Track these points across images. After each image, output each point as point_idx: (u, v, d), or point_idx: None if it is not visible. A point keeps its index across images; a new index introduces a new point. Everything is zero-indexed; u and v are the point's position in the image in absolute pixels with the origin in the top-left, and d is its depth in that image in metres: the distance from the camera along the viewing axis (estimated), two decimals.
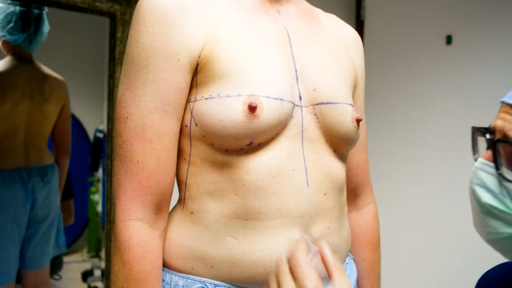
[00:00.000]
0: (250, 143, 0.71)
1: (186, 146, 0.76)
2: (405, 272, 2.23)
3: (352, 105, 0.82)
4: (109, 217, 1.72)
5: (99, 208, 2.33)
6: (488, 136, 0.62)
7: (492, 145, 0.60)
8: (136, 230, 0.70)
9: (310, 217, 0.75)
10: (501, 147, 0.59)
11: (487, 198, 0.60)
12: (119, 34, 1.65)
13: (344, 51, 0.88)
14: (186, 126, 0.74)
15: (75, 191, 2.08)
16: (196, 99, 0.73)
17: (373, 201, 1.01)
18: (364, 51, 0.97)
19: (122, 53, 1.66)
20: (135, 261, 0.69)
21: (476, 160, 0.67)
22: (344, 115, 0.79)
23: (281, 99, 0.72)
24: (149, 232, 0.71)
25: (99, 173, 2.31)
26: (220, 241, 0.73)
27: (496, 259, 0.83)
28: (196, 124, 0.73)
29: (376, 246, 0.98)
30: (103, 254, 2.12)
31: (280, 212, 0.73)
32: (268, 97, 0.71)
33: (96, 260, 2.32)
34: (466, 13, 2.11)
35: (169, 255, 0.75)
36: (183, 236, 0.75)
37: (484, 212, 0.61)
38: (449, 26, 2.16)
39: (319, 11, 0.93)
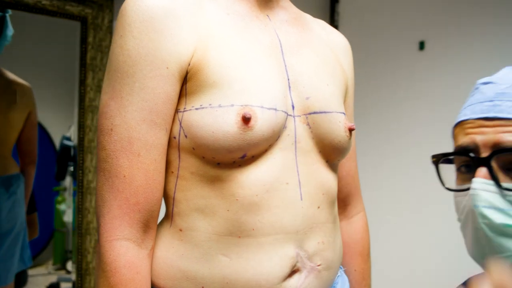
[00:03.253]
0: (244, 155, 0.68)
1: (174, 158, 0.71)
2: (393, 279, 2.24)
3: (344, 114, 0.80)
4: (80, 230, 1.64)
5: (66, 218, 2.23)
6: (472, 155, 0.59)
7: (486, 160, 0.57)
8: (123, 251, 0.65)
9: (305, 232, 0.72)
10: (494, 161, 0.57)
11: (500, 218, 0.55)
12: (90, 39, 1.58)
13: (334, 58, 0.86)
14: (175, 137, 0.70)
15: (40, 201, 1.99)
16: (186, 109, 0.69)
17: (362, 210, 0.99)
18: None
19: (94, 58, 1.59)
20: (123, 284, 0.64)
21: (449, 189, 0.63)
22: (337, 124, 0.77)
23: (275, 109, 0.69)
24: (137, 252, 0.67)
25: (66, 182, 2.22)
26: (211, 260, 0.69)
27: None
28: (186, 136, 0.68)
29: (367, 256, 0.96)
30: (70, 266, 2.04)
31: (274, 228, 0.70)
32: (262, 107, 0.68)
33: (62, 272, 2.22)
34: (438, 19, 2.15)
35: (157, 276, 0.70)
36: (172, 254, 0.70)
37: (498, 235, 0.56)
38: (422, 32, 2.19)
39: (308, 16, 0.91)
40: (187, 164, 0.70)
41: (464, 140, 0.61)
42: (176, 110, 0.70)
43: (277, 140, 0.71)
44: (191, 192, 0.70)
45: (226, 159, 0.67)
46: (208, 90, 0.68)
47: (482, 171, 0.57)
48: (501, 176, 0.57)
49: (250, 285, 0.68)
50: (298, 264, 0.72)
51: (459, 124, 0.63)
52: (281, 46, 0.77)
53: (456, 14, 2.10)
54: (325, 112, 0.76)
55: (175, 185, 0.71)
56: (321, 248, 0.75)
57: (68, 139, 2.06)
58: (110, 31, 1.63)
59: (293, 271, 0.71)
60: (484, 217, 0.57)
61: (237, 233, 0.68)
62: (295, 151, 0.73)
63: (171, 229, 0.72)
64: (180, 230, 0.70)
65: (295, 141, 0.73)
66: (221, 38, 0.71)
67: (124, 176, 0.66)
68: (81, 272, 1.62)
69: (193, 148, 0.68)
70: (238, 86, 0.68)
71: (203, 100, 0.67)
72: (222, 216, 0.68)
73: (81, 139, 1.60)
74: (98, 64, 1.60)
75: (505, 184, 0.56)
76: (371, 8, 2.36)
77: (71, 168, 2.08)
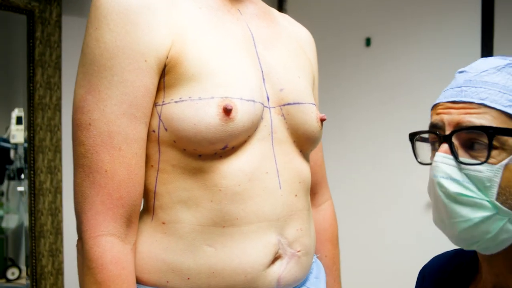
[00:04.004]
0: (225, 147, 0.68)
1: (153, 152, 0.71)
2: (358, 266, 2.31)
3: (315, 105, 0.82)
4: (33, 233, 1.57)
5: (4, 224, 2.12)
6: (438, 133, 0.67)
7: (448, 137, 0.65)
8: (109, 247, 0.64)
9: (284, 220, 0.75)
10: (455, 138, 0.65)
11: (454, 187, 0.63)
12: (38, 34, 1.51)
13: (302, 51, 0.89)
14: (154, 131, 0.70)
15: None
16: (165, 103, 0.69)
17: (329, 198, 1.02)
18: None
19: (43, 54, 1.52)
20: (111, 280, 0.63)
21: (421, 162, 0.72)
22: (310, 115, 0.80)
23: (253, 101, 0.71)
24: (122, 248, 0.66)
25: (3, 187, 2.11)
26: (196, 251, 0.69)
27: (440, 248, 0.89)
28: (166, 129, 0.68)
29: (336, 241, 1.00)
30: (10, 274, 1.94)
31: (257, 217, 0.71)
32: (241, 99, 0.69)
33: (3, 281, 2.11)
34: (383, 17, 2.25)
35: (141, 270, 0.70)
36: (155, 248, 0.70)
37: (452, 202, 0.64)
38: (368, 29, 2.28)
39: (274, 11, 0.93)
40: (167, 157, 0.70)
41: (434, 119, 0.69)
42: (155, 104, 0.69)
43: (255, 131, 0.72)
44: (173, 185, 0.70)
45: (208, 151, 0.68)
46: (187, 83, 0.68)
47: (444, 146, 0.65)
48: (461, 152, 0.65)
49: (236, 273, 0.69)
50: (280, 251, 0.74)
51: (434, 106, 0.71)
52: (253, 40, 0.79)
53: (400, 12, 2.20)
54: (298, 103, 0.79)
55: (156, 179, 0.71)
56: (299, 234, 0.77)
57: (6, 140, 1.96)
58: (59, 25, 1.57)
59: (275, 258, 0.73)
60: (441, 186, 0.64)
61: (221, 223, 0.69)
62: (272, 142, 0.75)
63: (153, 223, 0.71)
64: (163, 223, 0.70)
65: (272, 132, 0.75)
66: (197, 31, 0.71)
67: (106, 171, 0.65)
68: (36, 277, 1.55)
69: (174, 141, 0.68)
70: (217, 79, 0.68)
71: (182, 93, 0.68)
72: (205, 207, 0.69)
73: (31, 138, 1.53)
74: (47, 60, 1.54)
75: (462, 158, 0.64)
76: (318, 6, 2.43)
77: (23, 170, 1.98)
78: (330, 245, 0.98)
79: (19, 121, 1.65)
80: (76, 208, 0.67)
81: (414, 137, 0.73)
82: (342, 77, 2.37)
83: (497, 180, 0.61)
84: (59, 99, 1.60)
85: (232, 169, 0.70)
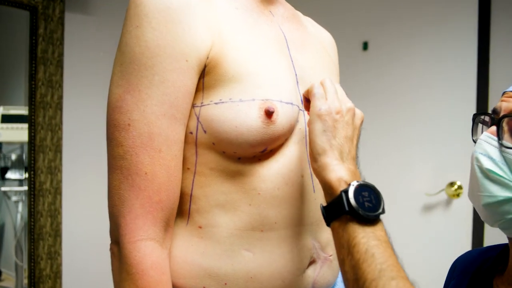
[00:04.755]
0: (264, 149, 0.68)
1: (190, 154, 0.69)
2: None
3: None
4: (32, 235, 1.53)
5: None
6: (493, 115, 0.72)
7: (497, 121, 0.70)
8: (149, 251, 0.62)
9: (317, 224, 0.74)
10: (504, 123, 0.69)
11: (488, 164, 0.68)
12: (41, 30, 1.47)
13: (327, 53, 0.89)
14: (191, 133, 0.68)
15: None
16: (203, 104, 0.67)
17: None
18: None
19: (45, 51, 1.49)
20: (152, 286, 0.61)
21: (474, 141, 0.77)
22: None
23: (292, 103, 0.70)
24: (161, 252, 0.64)
25: None
26: (234, 256, 0.68)
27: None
28: (205, 131, 0.67)
29: None
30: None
31: (294, 220, 0.71)
32: (281, 101, 0.68)
33: None
34: (381, 21, 2.26)
35: (176, 276, 0.68)
36: (192, 253, 0.68)
37: (484, 177, 0.69)
38: (365, 33, 2.29)
39: (299, 13, 0.92)
40: (205, 160, 0.68)
41: (497, 104, 0.73)
42: (193, 105, 0.68)
43: (291, 134, 0.72)
44: (211, 188, 0.68)
45: (248, 154, 0.67)
46: (227, 84, 0.67)
47: (492, 128, 0.70)
48: (506, 136, 0.69)
49: (274, 278, 0.68)
50: (314, 255, 0.73)
51: (504, 92, 0.74)
52: (286, 42, 0.78)
53: (398, 16, 2.22)
54: None
55: (192, 182, 0.69)
56: (331, 238, 0.77)
57: None
58: (61, 22, 1.53)
59: (310, 262, 0.73)
60: (477, 160, 0.70)
61: (259, 227, 0.68)
62: (306, 145, 0.74)
63: (188, 227, 0.70)
64: (200, 227, 0.69)
65: (306, 135, 0.74)
66: (235, 32, 0.70)
67: (146, 173, 0.63)
68: (34, 280, 1.51)
69: (213, 143, 0.67)
70: (257, 81, 0.67)
71: (222, 95, 0.66)
72: (244, 211, 0.68)
73: (32, 137, 1.49)
74: (49, 58, 1.50)
75: (505, 142, 0.68)
76: (315, 10, 2.43)
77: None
78: None
79: (4, 119, 1.60)
80: (112, 211, 0.65)
81: (476, 117, 0.77)
82: (340, 80, 2.37)
83: None
84: (60, 97, 1.56)
85: (271, 172, 0.69)
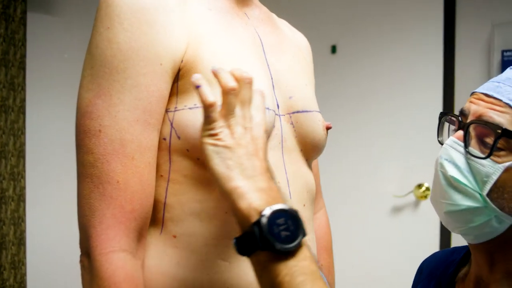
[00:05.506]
0: None
1: (163, 161, 0.67)
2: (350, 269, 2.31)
3: (320, 112, 0.82)
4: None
5: None
6: (460, 119, 0.69)
7: (465, 126, 0.67)
8: (122, 264, 0.59)
9: None
10: (472, 128, 0.67)
11: (453, 172, 0.66)
12: (1, 31, 1.41)
13: (303, 56, 0.88)
14: (164, 139, 0.66)
15: None
16: (177, 109, 0.65)
17: (323, 206, 1.02)
18: None
19: (6, 53, 1.42)
20: None
21: (440, 142, 0.75)
22: (317, 123, 0.79)
23: (268, 108, 0.69)
24: (134, 264, 0.61)
25: None
26: (210, 266, 0.66)
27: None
28: (179, 137, 0.65)
29: (331, 250, 0.99)
30: None
31: None
32: None
33: None
34: (349, 24, 2.29)
35: (149, 287, 0.66)
36: (165, 263, 0.66)
37: (447, 184, 0.67)
38: (333, 36, 2.31)
39: (274, 15, 0.91)
40: (179, 167, 0.66)
41: (465, 105, 0.70)
42: (166, 110, 0.66)
43: (267, 139, 0.70)
44: (185, 196, 0.66)
45: None
46: None
47: (459, 133, 0.68)
48: (473, 142, 0.67)
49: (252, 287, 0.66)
50: None
51: (473, 93, 0.72)
52: (262, 45, 0.77)
53: (366, 19, 2.25)
54: (307, 111, 0.77)
55: (166, 190, 0.67)
56: (308, 245, 0.76)
57: None
58: (23, 22, 1.47)
59: None
60: (442, 167, 0.68)
61: (236, 236, 0.66)
62: (282, 150, 0.73)
63: (162, 236, 0.67)
64: (174, 236, 0.66)
65: (282, 140, 0.73)
66: (210, 34, 0.68)
67: (118, 182, 0.60)
68: None
69: (187, 150, 0.65)
70: None
71: (196, 99, 0.64)
72: (220, 219, 0.66)
73: (3, 144, 1.42)
74: (11, 59, 1.44)
75: (472, 149, 0.66)
76: (284, 12, 2.43)
77: None
78: (326, 254, 0.97)
79: None
80: (82, 222, 0.62)
81: (443, 116, 0.75)
82: None
83: (495, 178, 0.64)
84: (23, 100, 1.50)
85: None
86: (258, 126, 0.58)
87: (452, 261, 0.81)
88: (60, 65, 1.60)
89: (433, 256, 0.91)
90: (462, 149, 0.67)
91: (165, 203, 0.67)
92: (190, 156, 0.65)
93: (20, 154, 1.50)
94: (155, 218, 0.68)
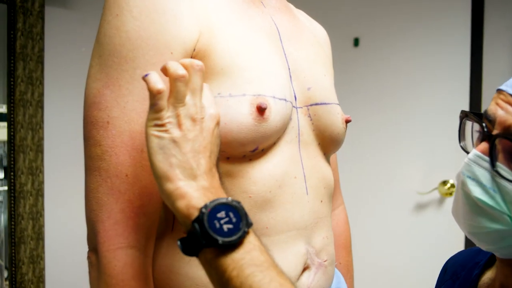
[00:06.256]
0: (255, 149, 0.63)
1: None
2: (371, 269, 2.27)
3: (339, 105, 0.78)
4: (13, 238, 1.46)
5: None
6: (485, 127, 0.59)
7: (490, 138, 0.57)
8: (130, 260, 0.57)
9: (311, 228, 0.70)
10: (498, 142, 0.57)
11: (477, 192, 0.58)
12: (19, 25, 1.41)
13: (321, 48, 0.84)
14: None
15: None
16: None
17: (342, 203, 0.98)
18: None
19: (24, 46, 1.42)
20: None
21: (462, 148, 0.65)
22: (336, 116, 0.75)
23: (285, 100, 0.65)
24: (143, 261, 0.59)
25: None
26: None
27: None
28: None
29: (349, 248, 0.95)
30: None
31: (287, 225, 0.66)
32: (274, 97, 0.63)
33: None
34: (372, 17, 2.23)
35: (161, 286, 0.63)
36: (177, 261, 0.63)
37: (471, 205, 0.59)
38: (356, 29, 2.25)
39: (291, 5, 0.87)
40: None
41: (489, 107, 0.60)
42: None
43: (284, 132, 0.67)
44: None
45: (237, 153, 0.62)
46: (216, 78, 0.62)
47: (484, 146, 0.58)
48: (501, 158, 0.57)
49: None
50: (308, 261, 0.69)
51: (499, 90, 0.61)
52: (279, 34, 0.73)
53: (389, 11, 2.19)
54: (325, 104, 0.74)
55: None
56: (326, 243, 0.72)
57: None
58: (41, 16, 1.47)
59: (304, 269, 0.68)
60: (464, 185, 0.59)
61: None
62: (299, 144, 0.70)
63: (174, 234, 0.65)
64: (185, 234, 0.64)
65: (299, 134, 0.70)
66: (224, 22, 0.65)
67: (126, 175, 0.58)
68: (16, 285, 1.44)
69: None
70: (248, 75, 0.63)
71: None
72: None
73: (11, 137, 1.42)
74: (29, 53, 1.43)
75: (500, 165, 0.57)
76: (305, 6, 2.39)
77: None
78: (345, 252, 0.94)
79: None
80: (89, 217, 0.60)
81: (464, 117, 0.65)
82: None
83: None
84: (41, 95, 1.50)
85: (263, 174, 0.64)
86: (211, 118, 0.54)
87: (477, 262, 0.76)
88: (78, 59, 1.59)
89: (458, 255, 0.86)
90: (487, 165, 0.57)
91: None
92: None
93: (39, 148, 1.50)
94: (166, 214, 0.66)
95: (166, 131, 0.51)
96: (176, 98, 0.52)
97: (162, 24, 0.59)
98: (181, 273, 0.63)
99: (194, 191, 0.50)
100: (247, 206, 0.63)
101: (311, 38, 0.81)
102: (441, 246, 2.00)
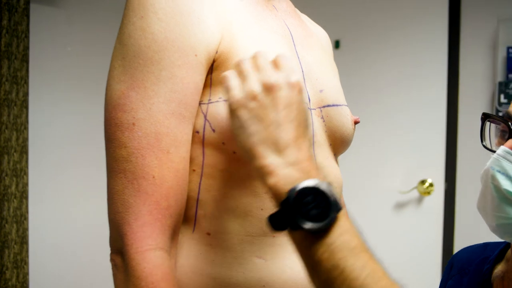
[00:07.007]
0: None
1: (196, 155, 0.64)
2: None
3: (348, 106, 0.80)
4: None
5: None
6: (509, 124, 0.65)
7: None
8: (159, 262, 0.57)
9: None
10: None
11: (507, 185, 0.63)
12: (4, 22, 1.36)
13: (326, 51, 0.86)
14: (198, 132, 0.63)
15: None
16: (211, 101, 0.63)
17: (343, 204, 1.00)
18: None
19: (9, 45, 1.38)
20: None
21: (485, 146, 0.71)
22: (346, 117, 0.77)
23: None
24: (170, 262, 0.59)
25: None
26: (246, 263, 0.64)
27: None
28: (214, 130, 0.62)
29: None
30: None
31: None
32: None
33: None
34: (352, 20, 2.28)
35: (185, 287, 0.63)
36: (200, 262, 0.64)
37: (500, 197, 0.64)
38: (337, 31, 2.29)
39: (296, 9, 0.89)
40: (213, 161, 0.64)
41: (510, 108, 0.66)
42: (199, 102, 0.63)
43: None
44: (220, 192, 0.64)
45: None
46: None
47: (511, 142, 0.64)
48: None
49: (287, 285, 0.64)
50: None
51: None
52: (292, 38, 0.75)
53: (368, 15, 2.24)
54: (337, 105, 0.76)
55: (199, 185, 0.65)
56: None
57: None
58: (27, 13, 1.43)
59: None
60: (494, 179, 0.65)
61: (271, 233, 0.64)
62: (313, 145, 0.71)
63: (195, 234, 0.65)
64: (208, 234, 0.64)
65: (313, 135, 0.71)
66: (243, 25, 0.66)
67: (153, 177, 0.58)
68: None
69: (223, 143, 0.62)
70: None
71: None
72: (255, 216, 0.64)
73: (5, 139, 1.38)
74: (14, 52, 1.40)
75: None
76: None
77: None
78: None
79: None
80: (114, 219, 0.59)
81: (486, 118, 0.70)
82: None
83: None
84: (26, 94, 1.46)
85: None
86: (289, 87, 0.55)
87: (486, 257, 0.80)
88: (64, 58, 1.56)
89: (464, 251, 0.90)
90: None
91: (198, 199, 0.65)
92: (226, 150, 0.63)
93: (23, 149, 1.46)
94: (187, 215, 0.66)
95: (242, 107, 0.53)
96: (259, 67, 0.55)
97: (187, 26, 0.60)
98: (203, 274, 0.63)
99: (281, 169, 0.50)
100: (269, 206, 0.64)
101: (317, 42, 0.83)
102: (420, 243, 2.06)
